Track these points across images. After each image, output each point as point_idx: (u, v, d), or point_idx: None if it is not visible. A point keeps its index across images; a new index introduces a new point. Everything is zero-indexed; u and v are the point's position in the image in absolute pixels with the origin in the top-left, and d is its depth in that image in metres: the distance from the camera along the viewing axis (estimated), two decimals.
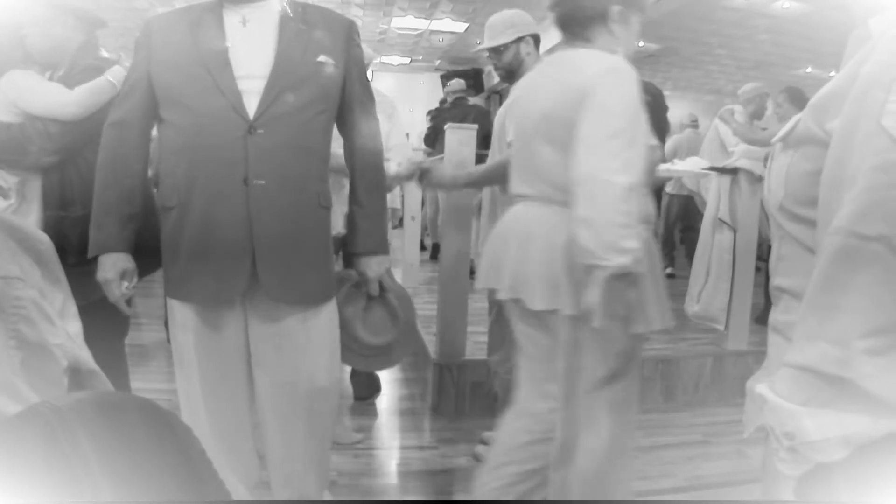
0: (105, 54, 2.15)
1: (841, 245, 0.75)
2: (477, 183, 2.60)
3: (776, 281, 1.03)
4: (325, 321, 1.65)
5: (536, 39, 2.51)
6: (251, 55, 1.52)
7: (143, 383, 3.01)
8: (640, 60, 9.19)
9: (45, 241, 1.04)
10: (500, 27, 2.49)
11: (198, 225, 1.52)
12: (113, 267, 1.57)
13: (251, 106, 1.49)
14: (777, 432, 0.78)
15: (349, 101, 1.65)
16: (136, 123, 1.60)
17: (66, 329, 0.98)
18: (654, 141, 1.64)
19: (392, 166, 2.73)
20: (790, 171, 0.94)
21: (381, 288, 1.77)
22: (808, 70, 9.41)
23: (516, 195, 1.68)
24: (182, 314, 1.61)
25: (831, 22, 6.61)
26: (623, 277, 1.34)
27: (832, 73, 0.96)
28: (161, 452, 0.61)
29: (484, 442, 2.78)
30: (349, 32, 1.64)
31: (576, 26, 1.59)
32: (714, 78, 10.63)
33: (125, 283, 1.58)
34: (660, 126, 5.47)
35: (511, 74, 2.54)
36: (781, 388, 0.79)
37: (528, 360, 1.72)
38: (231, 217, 1.50)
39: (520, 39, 2.47)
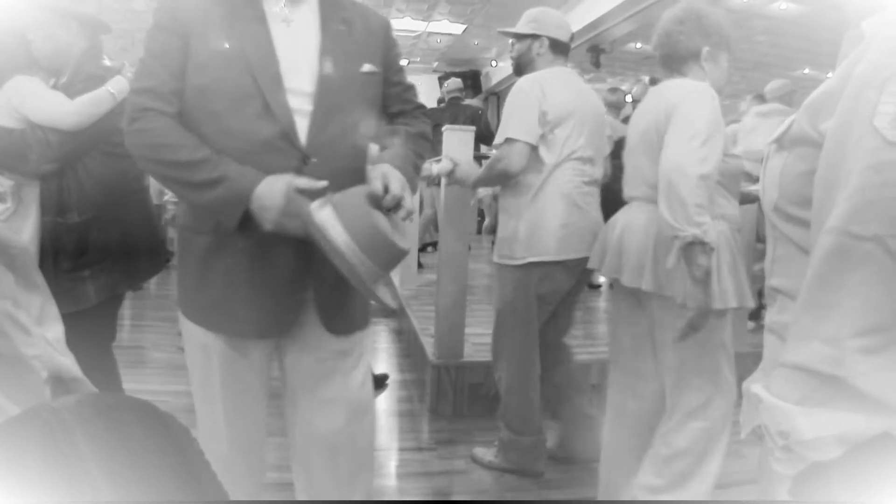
0: (107, 62, 2.15)
1: (835, 245, 0.76)
2: (479, 183, 2.71)
3: (771, 281, 1.03)
4: (365, 341, 1.55)
5: (556, 44, 2.49)
6: (297, 65, 1.35)
7: (140, 385, 3.01)
8: (637, 62, 9.18)
9: (17, 244, 1.01)
10: (525, 18, 2.52)
11: (244, 258, 1.36)
12: (276, 188, 1.25)
13: (302, 130, 1.33)
14: (772, 431, 0.78)
15: (390, 108, 1.52)
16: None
17: (44, 336, 0.96)
18: (737, 152, 1.95)
19: (434, 167, 2.74)
20: (784, 171, 0.94)
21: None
22: (806, 71, 9.43)
23: (627, 197, 2.08)
24: (205, 338, 1.45)
25: (829, 23, 6.63)
26: (697, 245, 1.73)
27: (829, 74, 0.96)
28: (159, 453, 0.61)
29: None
30: (387, 32, 1.50)
31: (673, 63, 1.98)
32: None
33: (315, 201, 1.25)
34: None
35: (519, 68, 2.55)
36: (776, 387, 0.80)
37: (623, 334, 2.12)
38: (285, 252, 1.35)
39: (535, 37, 2.47)
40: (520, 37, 2.52)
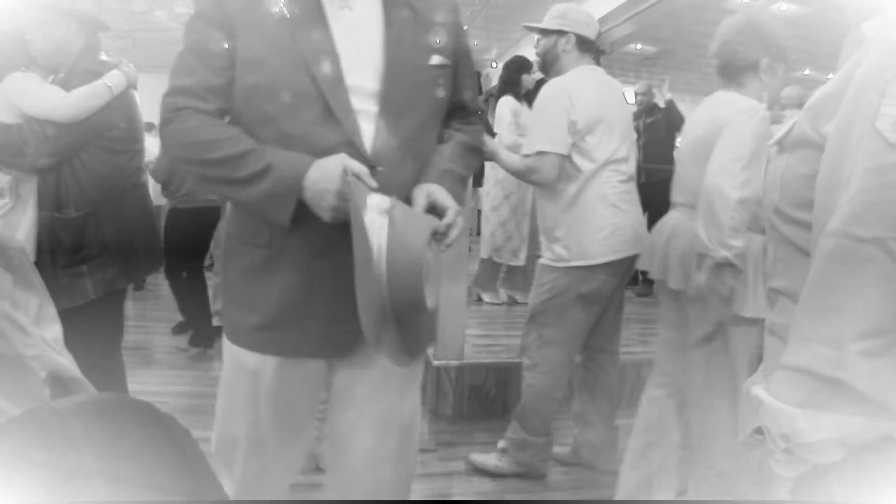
0: (105, 58, 2.17)
1: (836, 247, 0.76)
2: (507, 170, 2.67)
3: (772, 283, 1.03)
4: (421, 361, 1.43)
5: (582, 41, 2.45)
6: (360, 60, 1.19)
7: (142, 386, 3.01)
8: (637, 63, 9.18)
9: (14, 245, 1.01)
10: (552, 14, 2.49)
11: (305, 275, 1.22)
12: (331, 168, 1.11)
13: (367, 135, 1.19)
14: (773, 434, 0.78)
15: (456, 104, 1.36)
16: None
17: (42, 336, 0.96)
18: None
19: None
20: (786, 174, 0.95)
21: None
22: (806, 72, 9.43)
23: (675, 201, 2.17)
24: (255, 361, 1.29)
25: (829, 24, 6.63)
26: (726, 266, 1.81)
27: (830, 76, 0.96)
28: (159, 454, 0.61)
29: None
30: (455, 16, 1.32)
31: (731, 73, 2.03)
32: (711, 80, 10.63)
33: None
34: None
35: (545, 66, 2.52)
36: (777, 389, 0.80)
37: (665, 333, 2.23)
38: (348, 263, 1.17)
39: (562, 33, 2.44)
40: (545, 33, 2.48)
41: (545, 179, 2.35)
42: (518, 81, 4.40)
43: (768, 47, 1.97)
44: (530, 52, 3.10)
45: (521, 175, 2.50)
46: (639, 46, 8.88)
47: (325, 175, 1.11)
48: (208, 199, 3.99)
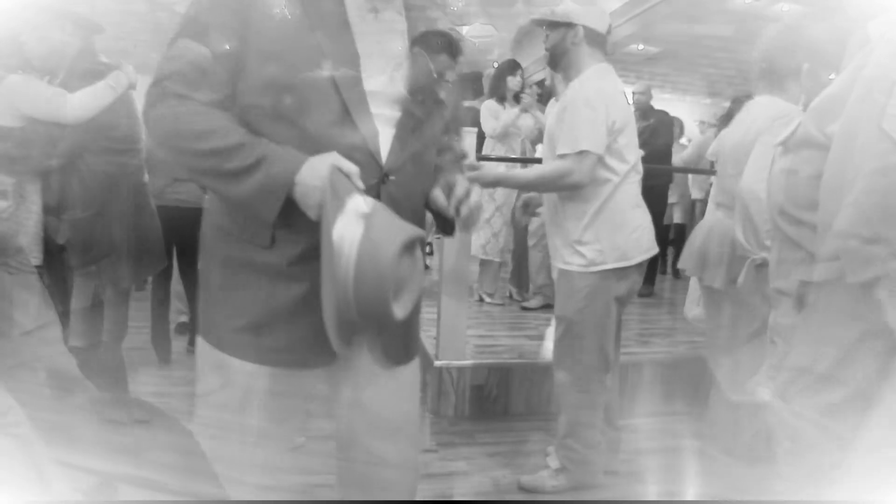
0: (104, 59, 2.17)
1: (841, 248, 0.75)
2: (524, 187, 2.70)
3: (776, 284, 1.03)
4: (417, 364, 1.41)
5: (591, 34, 2.34)
6: (381, 63, 1.18)
7: (143, 386, 3.01)
8: (639, 63, 9.16)
9: (13, 246, 1.01)
10: (560, 7, 2.41)
11: (310, 284, 1.14)
12: (321, 166, 1.06)
13: (384, 143, 1.16)
14: (778, 434, 0.78)
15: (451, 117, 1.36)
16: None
17: (42, 336, 0.97)
18: None
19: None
20: (790, 175, 0.94)
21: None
22: None
23: (715, 202, 2.31)
24: (246, 370, 1.21)
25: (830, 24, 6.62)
26: (764, 266, 1.85)
27: (832, 76, 0.96)
28: (160, 455, 0.61)
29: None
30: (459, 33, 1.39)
31: (773, 77, 2.12)
32: (713, 81, 10.64)
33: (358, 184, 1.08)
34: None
35: (554, 60, 2.43)
36: (782, 390, 0.79)
37: (710, 327, 2.41)
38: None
39: (570, 26, 2.33)
40: (553, 26, 2.39)
41: (581, 181, 2.25)
42: (504, 84, 4.54)
43: (811, 53, 2.00)
44: (532, 54, 3.09)
45: (550, 182, 2.36)
46: (640, 47, 8.88)
47: (314, 172, 1.06)
48: (179, 199, 3.84)
